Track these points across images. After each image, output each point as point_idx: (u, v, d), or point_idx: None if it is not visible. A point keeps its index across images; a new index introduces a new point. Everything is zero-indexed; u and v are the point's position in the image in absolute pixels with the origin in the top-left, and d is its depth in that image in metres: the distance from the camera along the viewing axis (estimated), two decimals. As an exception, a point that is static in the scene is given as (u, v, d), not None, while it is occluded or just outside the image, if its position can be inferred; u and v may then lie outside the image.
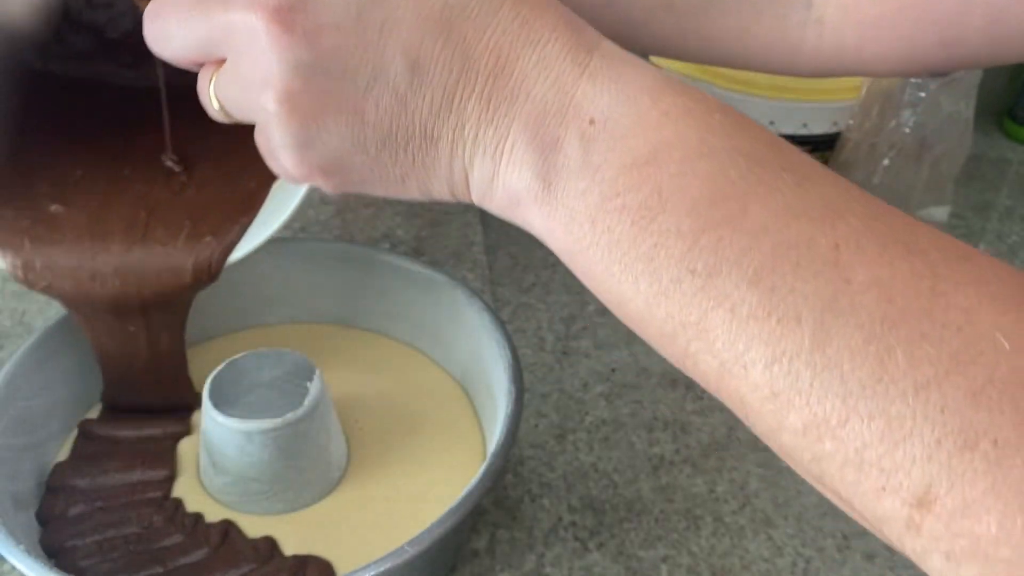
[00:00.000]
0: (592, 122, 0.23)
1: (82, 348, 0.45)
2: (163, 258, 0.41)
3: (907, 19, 0.35)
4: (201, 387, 0.41)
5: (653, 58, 0.46)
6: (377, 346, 0.51)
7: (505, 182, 0.24)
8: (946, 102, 0.58)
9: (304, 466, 0.40)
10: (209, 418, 0.39)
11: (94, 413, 0.46)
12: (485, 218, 0.71)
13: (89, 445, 0.44)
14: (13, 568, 0.34)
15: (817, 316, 0.19)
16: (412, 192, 0.27)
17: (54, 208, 0.41)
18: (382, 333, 0.52)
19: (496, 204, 0.26)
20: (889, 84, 0.58)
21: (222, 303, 0.51)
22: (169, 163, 0.43)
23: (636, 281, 0.22)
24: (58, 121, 0.43)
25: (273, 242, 0.50)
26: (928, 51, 0.35)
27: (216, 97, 0.27)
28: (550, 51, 0.23)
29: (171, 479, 0.42)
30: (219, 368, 0.41)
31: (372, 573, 0.32)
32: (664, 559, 0.43)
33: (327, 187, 0.27)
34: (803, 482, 0.49)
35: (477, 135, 0.24)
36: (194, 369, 0.46)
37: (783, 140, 0.23)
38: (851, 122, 0.61)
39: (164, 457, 0.43)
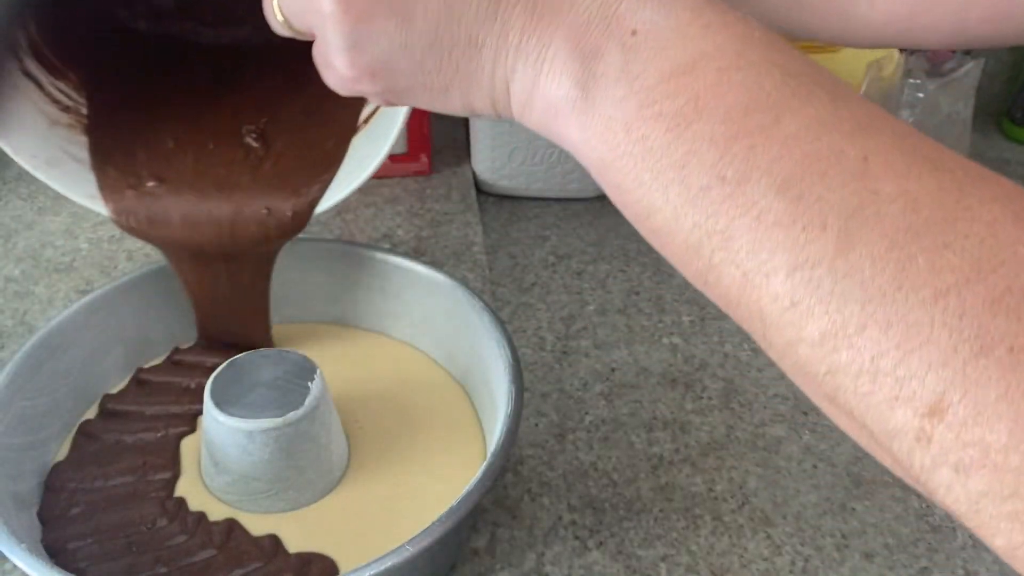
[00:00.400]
0: (634, 32, 0.23)
1: (83, 348, 0.45)
2: (253, 210, 0.43)
3: None
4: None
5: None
6: (377, 346, 0.51)
7: (544, 92, 0.25)
8: (945, 103, 0.58)
9: (305, 465, 0.41)
10: (210, 417, 0.40)
11: (92, 413, 0.46)
12: (485, 218, 0.72)
13: (90, 444, 0.44)
14: (15, 567, 0.34)
15: (842, 224, 0.20)
16: (454, 103, 0.27)
17: (152, 169, 0.44)
18: (382, 333, 0.52)
19: (534, 117, 0.26)
20: (888, 84, 0.58)
21: (223, 303, 0.51)
22: (251, 133, 0.45)
23: (666, 189, 0.22)
24: (148, 81, 0.46)
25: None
26: (977, 26, 0.35)
27: (279, 9, 0.28)
28: None
29: (174, 478, 0.42)
30: (220, 368, 0.41)
31: (373, 572, 0.32)
32: (663, 558, 0.43)
33: (375, 93, 0.28)
34: (802, 481, 0.50)
35: (520, 43, 0.25)
36: (195, 369, 0.46)
37: (819, 64, 0.23)
38: (850, 122, 0.61)
39: (166, 456, 0.43)
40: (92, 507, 0.40)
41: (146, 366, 0.49)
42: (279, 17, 0.29)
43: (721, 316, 0.61)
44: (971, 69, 0.60)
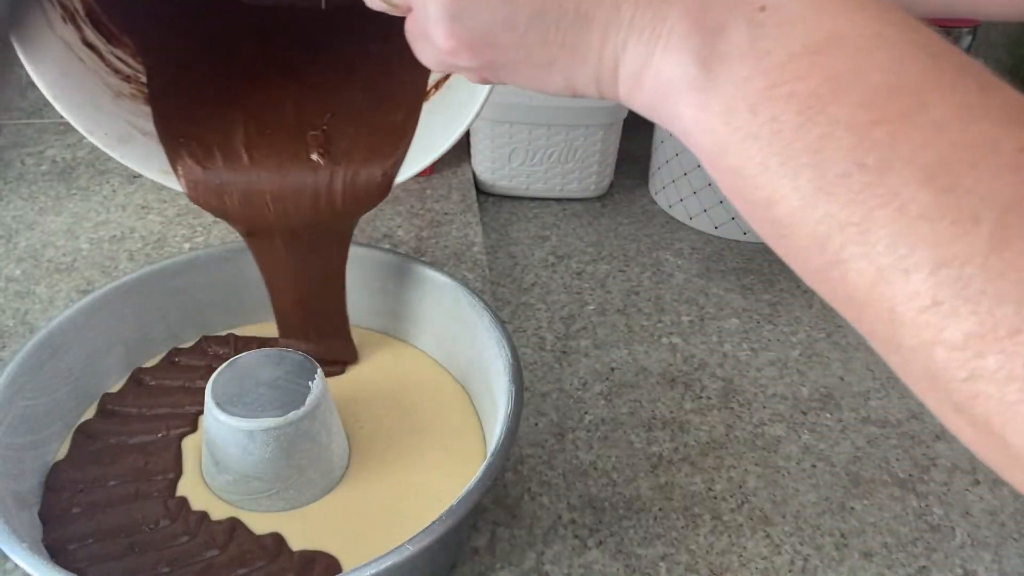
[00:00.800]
0: (763, 8, 0.22)
1: (84, 348, 0.45)
2: (334, 181, 0.42)
3: None
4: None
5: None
6: (378, 345, 0.51)
7: (659, 70, 0.24)
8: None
9: (306, 465, 0.41)
10: (211, 417, 0.40)
11: (90, 414, 0.46)
12: (485, 218, 0.72)
13: (90, 444, 0.44)
14: (16, 567, 0.34)
15: (996, 218, 0.18)
16: (556, 82, 0.26)
17: (219, 140, 0.43)
18: (383, 332, 0.52)
19: (644, 97, 0.25)
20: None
21: (225, 303, 0.51)
22: (321, 111, 0.45)
23: (795, 176, 0.21)
24: (205, 46, 0.45)
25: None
26: None
27: None
28: None
29: (176, 478, 0.42)
30: (221, 367, 0.41)
31: (373, 571, 0.32)
32: (663, 557, 0.43)
33: (471, 67, 0.27)
34: (801, 481, 0.50)
35: (634, 18, 0.23)
36: (196, 368, 0.46)
37: (960, 49, 0.22)
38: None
39: (168, 456, 0.43)
40: (93, 507, 0.40)
41: (144, 366, 0.49)
42: None
43: (720, 316, 0.61)
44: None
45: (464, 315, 0.46)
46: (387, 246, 0.62)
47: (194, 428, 0.45)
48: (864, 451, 0.50)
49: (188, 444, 0.44)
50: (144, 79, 0.42)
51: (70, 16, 0.39)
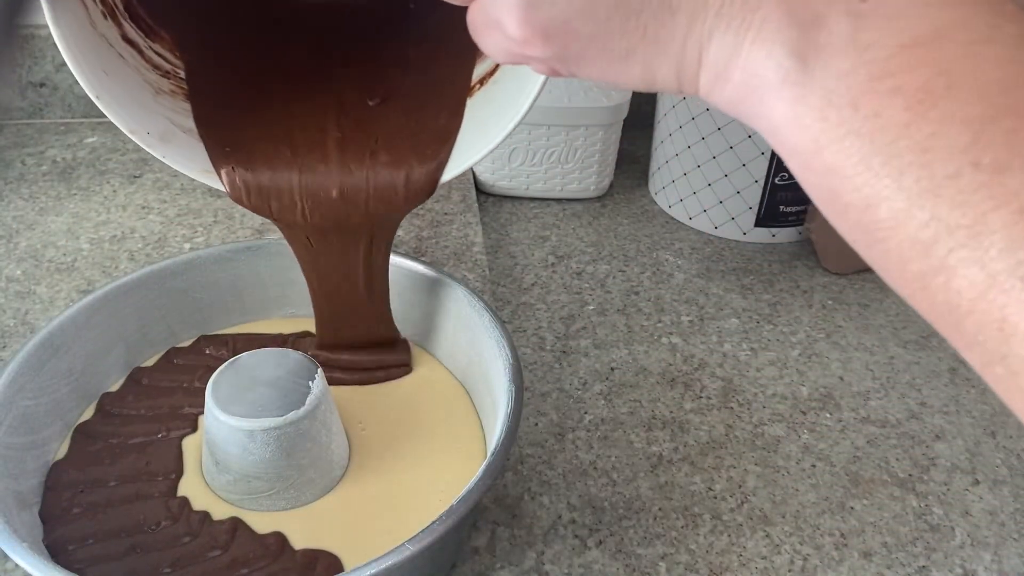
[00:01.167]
0: None
1: (84, 348, 0.45)
2: (381, 178, 0.41)
3: None
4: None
5: None
6: (378, 345, 0.51)
7: (748, 62, 0.22)
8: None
9: (306, 464, 0.41)
10: (212, 417, 0.40)
11: (90, 414, 0.46)
12: (485, 218, 0.72)
13: (90, 444, 0.44)
14: (16, 566, 0.34)
15: None
16: (633, 73, 0.25)
17: (258, 138, 0.42)
18: (382, 332, 0.52)
19: (728, 91, 0.23)
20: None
21: (225, 303, 0.51)
22: (364, 102, 0.44)
23: (900, 175, 0.20)
24: (243, 40, 0.44)
25: (275, 243, 0.51)
26: None
27: None
28: None
29: (177, 478, 0.42)
30: (222, 367, 0.41)
31: (373, 571, 0.32)
32: (663, 557, 0.43)
33: (543, 58, 0.25)
34: (801, 480, 0.50)
35: (722, 7, 0.22)
36: (196, 368, 0.46)
37: None
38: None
39: (169, 456, 0.43)
40: (95, 507, 0.40)
41: (141, 366, 0.49)
42: None
43: (720, 316, 0.61)
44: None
45: (464, 315, 0.47)
46: (387, 246, 0.62)
47: (194, 428, 0.45)
48: (864, 451, 0.51)
49: (189, 444, 0.44)
50: (183, 74, 0.42)
51: (109, 11, 0.38)
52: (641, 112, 0.81)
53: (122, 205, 0.69)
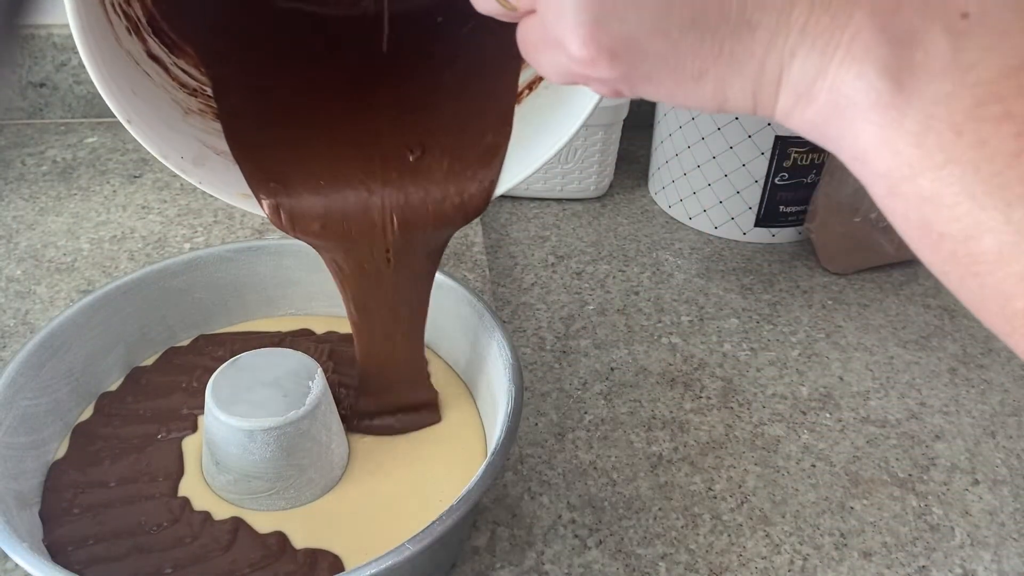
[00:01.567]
0: (965, 15, 0.19)
1: (84, 348, 0.45)
2: (430, 199, 0.39)
3: None
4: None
5: None
6: (378, 345, 0.51)
7: (835, 83, 0.21)
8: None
9: (306, 464, 0.41)
10: (212, 417, 0.40)
11: (88, 414, 0.46)
12: (485, 218, 0.72)
13: (90, 444, 0.44)
14: (16, 566, 0.34)
15: None
16: (704, 95, 0.23)
17: (297, 160, 0.39)
18: (382, 332, 0.52)
19: (810, 114, 0.22)
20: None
21: (225, 303, 0.51)
22: (406, 129, 0.41)
23: (1008, 207, 0.19)
24: (272, 55, 0.42)
25: (275, 243, 0.51)
26: None
27: None
28: None
29: (177, 478, 0.42)
30: (222, 367, 0.41)
31: (373, 571, 0.33)
32: (662, 556, 0.43)
33: (607, 79, 0.23)
34: (800, 480, 0.50)
35: (807, 24, 0.21)
36: (196, 368, 0.46)
37: None
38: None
39: (169, 456, 0.43)
40: (95, 508, 0.40)
41: (139, 365, 0.49)
42: None
43: (720, 316, 0.61)
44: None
45: (464, 315, 0.47)
46: (387, 246, 0.62)
47: (194, 429, 0.45)
48: (863, 451, 0.51)
49: (189, 445, 0.44)
50: (210, 92, 0.39)
51: (134, 27, 0.36)
52: (641, 112, 0.81)
53: (122, 205, 0.69)
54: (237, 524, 0.40)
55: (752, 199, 0.69)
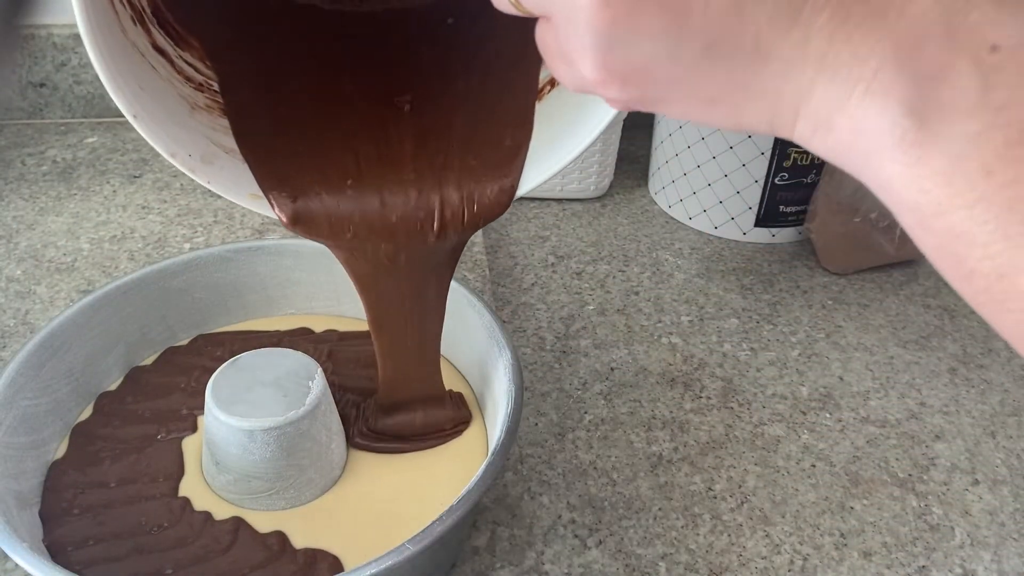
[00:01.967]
0: (994, 49, 0.19)
1: (84, 348, 0.45)
2: (450, 199, 0.38)
3: None
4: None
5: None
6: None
7: (855, 116, 0.20)
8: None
9: (306, 464, 0.41)
10: (212, 416, 0.40)
11: (88, 414, 0.46)
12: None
13: (90, 444, 0.44)
14: (16, 566, 0.34)
15: None
16: (717, 117, 0.23)
17: (318, 165, 0.38)
18: (382, 332, 0.52)
19: (830, 142, 0.21)
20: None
21: (225, 303, 0.51)
22: (416, 122, 0.39)
23: None
24: (280, 49, 0.40)
25: (274, 243, 0.51)
26: None
27: None
28: None
29: (178, 479, 0.42)
30: (222, 367, 0.41)
31: (373, 571, 0.33)
32: (662, 556, 0.43)
33: (619, 98, 0.23)
34: (800, 480, 0.50)
35: (826, 54, 0.20)
36: (196, 368, 0.46)
37: None
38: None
39: (169, 456, 0.43)
40: (95, 509, 0.40)
41: (138, 365, 0.49)
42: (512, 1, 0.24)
43: (720, 316, 0.61)
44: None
45: (464, 315, 0.47)
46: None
47: (194, 429, 0.45)
48: (863, 451, 0.51)
49: (189, 445, 0.44)
50: (217, 87, 0.38)
51: (138, 16, 0.34)
52: (641, 112, 0.81)
53: (122, 205, 0.69)
54: (238, 524, 0.40)
55: (752, 199, 0.69)
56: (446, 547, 0.40)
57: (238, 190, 0.37)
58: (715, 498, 0.47)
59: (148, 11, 0.35)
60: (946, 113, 0.19)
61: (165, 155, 0.34)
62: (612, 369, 0.56)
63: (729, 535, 0.45)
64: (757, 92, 0.22)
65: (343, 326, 0.52)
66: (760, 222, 0.70)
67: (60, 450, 0.44)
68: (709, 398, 0.54)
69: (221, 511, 0.41)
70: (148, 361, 0.49)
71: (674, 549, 0.44)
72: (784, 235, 0.71)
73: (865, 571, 0.43)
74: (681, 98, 0.22)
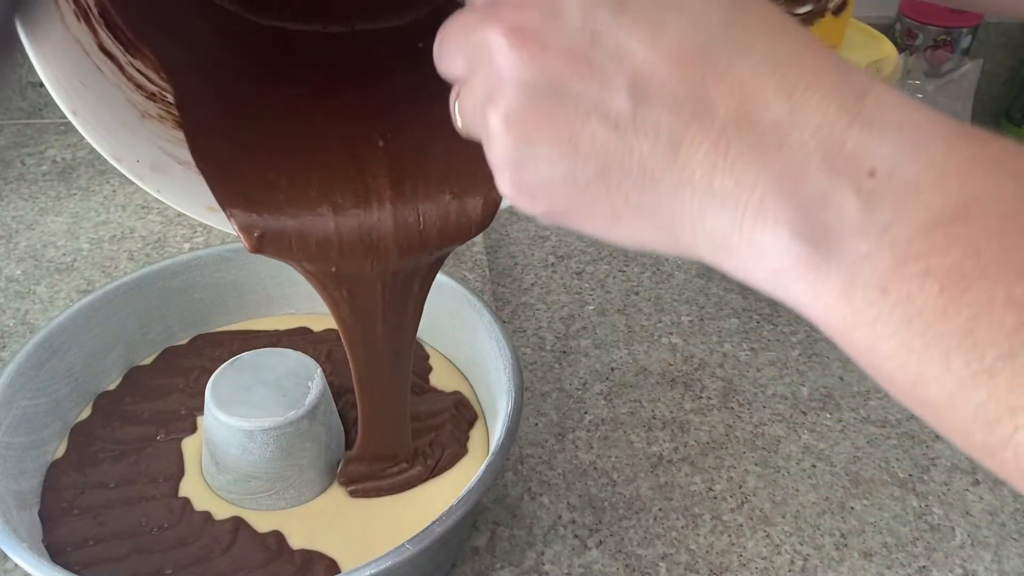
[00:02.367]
0: (872, 174, 0.19)
1: (84, 348, 0.45)
2: (427, 214, 0.36)
3: None
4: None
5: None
6: (377, 345, 0.51)
7: (753, 241, 0.21)
8: (943, 103, 0.58)
9: (306, 464, 0.41)
10: (211, 417, 0.40)
11: (87, 414, 0.46)
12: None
13: (89, 445, 0.44)
14: (16, 567, 0.34)
15: None
16: (621, 235, 0.24)
17: (283, 182, 0.35)
18: (382, 333, 0.52)
19: (734, 263, 0.22)
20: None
21: (225, 303, 0.51)
22: (383, 138, 0.37)
23: (946, 359, 0.19)
24: (238, 57, 0.38)
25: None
26: None
27: (458, 115, 0.26)
28: (810, 97, 0.20)
29: (178, 479, 0.42)
30: (222, 367, 0.41)
31: (373, 571, 0.32)
32: (663, 557, 0.43)
33: (534, 212, 0.25)
34: (801, 480, 0.50)
35: (712, 183, 0.21)
36: (196, 368, 0.46)
37: None
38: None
39: (169, 457, 0.43)
40: (95, 509, 0.40)
41: (137, 364, 0.49)
42: (458, 122, 0.26)
43: (720, 316, 0.61)
44: (970, 70, 0.60)
45: (464, 315, 0.46)
46: (387, 246, 0.62)
47: (193, 430, 0.45)
48: (864, 451, 0.50)
49: (188, 446, 0.44)
50: (171, 98, 0.35)
51: (83, 13, 0.32)
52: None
53: (122, 205, 0.69)
54: (237, 524, 0.40)
55: (752, 199, 0.68)
56: (446, 547, 0.40)
57: (192, 202, 0.34)
58: (715, 498, 0.47)
59: (95, 11, 0.33)
60: (834, 236, 0.20)
61: (110, 159, 0.32)
62: (612, 369, 0.56)
63: (729, 535, 0.45)
64: (653, 211, 0.22)
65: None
66: (760, 222, 0.70)
67: (59, 450, 0.44)
68: (709, 398, 0.54)
69: (221, 511, 0.41)
70: (147, 361, 0.49)
71: (674, 549, 0.44)
72: (784, 235, 0.71)
73: (865, 571, 0.43)
74: (585, 215, 0.24)
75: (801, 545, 0.44)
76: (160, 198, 0.33)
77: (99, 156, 0.32)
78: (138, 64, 0.35)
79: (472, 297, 0.46)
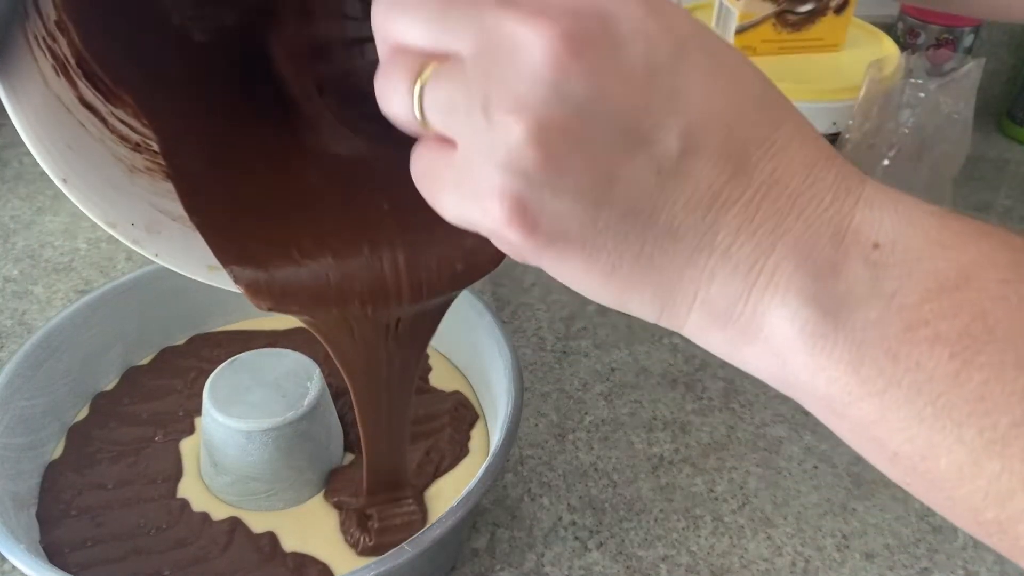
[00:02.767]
0: (876, 246, 0.20)
1: (82, 348, 0.45)
2: (438, 257, 0.34)
3: None
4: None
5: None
6: (377, 346, 0.51)
7: (757, 308, 0.21)
8: (945, 103, 0.58)
9: (304, 465, 0.40)
10: (210, 418, 0.39)
11: (83, 414, 0.46)
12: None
13: (87, 445, 0.44)
14: (13, 568, 0.34)
15: None
16: (608, 291, 0.22)
17: (284, 232, 0.33)
18: (382, 333, 0.52)
19: (728, 333, 0.22)
20: (888, 84, 0.58)
21: (223, 303, 0.51)
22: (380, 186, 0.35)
23: (959, 428, 0.19)
24: (222, 102, 0.36)
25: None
26: None
27: (422, 94, 0.21)
28: (824, 175, 0.21)
29: (176, 480, 0.42)
30: (220, 367, 0.41)
31: (373, 572, 0.32)
32: (663, 558, 0.43)
33: (517, 244, 0.22)
34: (802, 482, 0.49)
35: (731, 247, 0.21)
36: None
37: None
38: (851, 122, 0.61)
39: (167, 458, 0.43)
40: (93, 511, 0.40)
41: (135, 365, 0.49)
42: (414, 105, 0.22)
43: (721, 316, 0.61)
44: (972, 69, 0.60)
45: (464, 315, 0.46)
46: (387, 246, 0.62)
47: (191, 431, 0.45)
48: (866, 452, 0.50)
49: (187, 447, 0.44)
50: (156, 147, 0.34)
51: (61, 67, 0.31)
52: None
53: (121, 205, 0.69)
54: (234, 524, 0.40)
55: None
56: (445, 549, 0.40)
57: (193, 262, 0.32)
58: (716, 500, 0.47)
59: (72, 62, 0.31)
60: (844, 303, 0.20)
61: (103, 225, 0.30)
62: (613, 370, 0.55)
63: (731, 537, 0.44)
64: (657, 271, 0.22)
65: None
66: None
67: (57, 451, 0.43)
68: (711, 399, 0.53)
69: (219, 512, 0.41)
70: (145, 361, 0.49)
71: (675, 551, 0.44)
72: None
73: (867, 573, 0.43)
74: (580, 260, 0.22)
75: (803, 546, 0.44)
76: (159, 262, 0.31)
77: (97, 155, 0.31)
78: (120, 113, 0.33)
79: (472, 297, 0.46)
